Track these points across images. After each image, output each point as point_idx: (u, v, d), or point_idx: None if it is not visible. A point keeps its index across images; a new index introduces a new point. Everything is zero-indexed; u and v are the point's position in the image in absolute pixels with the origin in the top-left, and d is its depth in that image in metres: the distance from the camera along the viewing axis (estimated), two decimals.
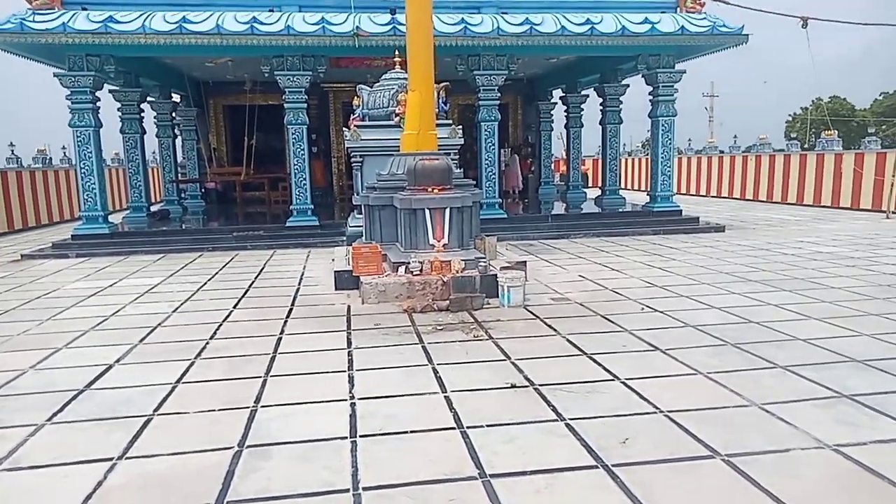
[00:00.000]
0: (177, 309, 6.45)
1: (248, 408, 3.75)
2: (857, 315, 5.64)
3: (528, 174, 17.95)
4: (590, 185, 23.13)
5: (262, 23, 10.16)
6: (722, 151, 22.33)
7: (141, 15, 10.09)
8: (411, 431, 3.38)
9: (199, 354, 4.85)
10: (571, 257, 9.33)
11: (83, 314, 6.32)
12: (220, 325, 5.77)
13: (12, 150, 15.47)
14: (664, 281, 7.35)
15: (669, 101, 12.07)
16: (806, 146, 20.07)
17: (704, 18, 11.44)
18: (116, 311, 6.39)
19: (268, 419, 3.59)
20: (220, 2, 10.66)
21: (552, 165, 18.77)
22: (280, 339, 5.27)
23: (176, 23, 9.88)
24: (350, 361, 4.61)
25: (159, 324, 5.84)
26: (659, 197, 12.43)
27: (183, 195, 15.58)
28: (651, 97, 12.25)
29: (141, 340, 5.28)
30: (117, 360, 4.74)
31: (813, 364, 4.34)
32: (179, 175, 15.82)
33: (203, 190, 16.21)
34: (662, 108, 12.08)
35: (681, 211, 12.47)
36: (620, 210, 13.34)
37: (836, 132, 18.89)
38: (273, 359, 4.71)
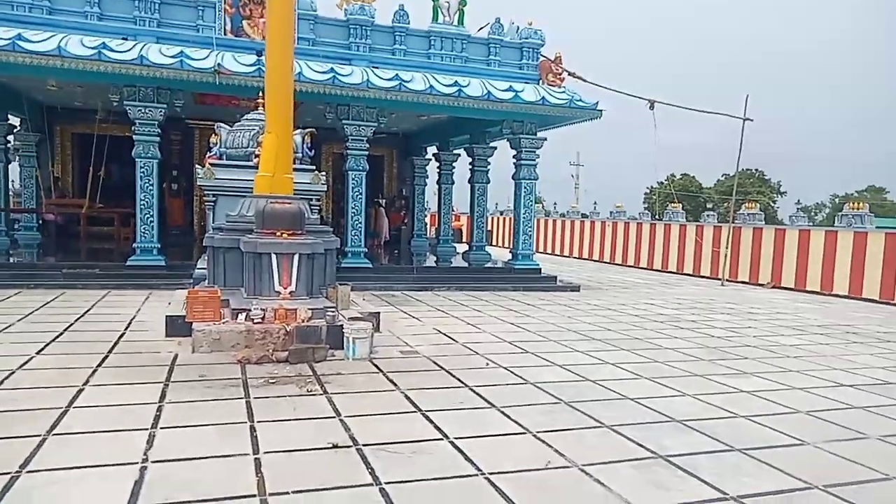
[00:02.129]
0: None
1: (7, 473, 3.16)
2: (683, 375, 5.94)
3: (402, 226, 17.98)
4: (463, 240, 23.63)
5: (112, 49, 9.46)
6: (585, 216, 23.80)
7: None
8: (201, 501, 2.98)
9: None
10: (431, 310, 9.25)
11: None
12: (13, 372, 4.99)
13: None
14: (514, 337, 7.42)
15: (531, 165, 12.64)
16: (656, 217, 21.90)
17: (564, 92, 12.21)
18: None
19: (28, 488, 3.03)
20: (67, 24, 9.85)
21: (426, 219, 18.97)
22: (81, 390, 4.61)
23: (9, 39, 8.94)
24: (157, 418, 4.10)
25: None
26: (520, 255, 12.83)
27: (16, 226, 13.88)
28: (515, 160, 12.79)
29: None
30: None
31: (637, 424, 4.43)
32: (13, 204, 14.14)
33: (41, 222, 14.58)
34: (525, 171, 12.62)
35: (540, 269, 12.92)
36: (486, 265, 13.61)
37: (682, 205, 20.79)
38: (64, 413, 4.09)
